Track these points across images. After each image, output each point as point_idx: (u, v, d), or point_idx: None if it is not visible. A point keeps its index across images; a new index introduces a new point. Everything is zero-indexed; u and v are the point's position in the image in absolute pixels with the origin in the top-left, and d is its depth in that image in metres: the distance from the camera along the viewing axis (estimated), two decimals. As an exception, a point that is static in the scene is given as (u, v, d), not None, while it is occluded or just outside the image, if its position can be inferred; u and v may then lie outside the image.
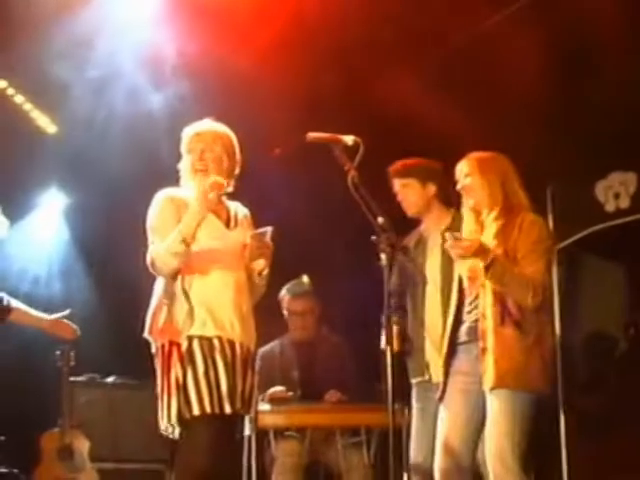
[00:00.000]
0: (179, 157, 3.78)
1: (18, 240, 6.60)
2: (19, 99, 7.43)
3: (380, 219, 3.45)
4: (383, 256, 3.42)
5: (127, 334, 5.39)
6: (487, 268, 3.53)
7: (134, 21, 5.77)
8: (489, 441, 3.58)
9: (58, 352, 5.60)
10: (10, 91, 7.39)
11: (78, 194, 7.29)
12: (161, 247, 3.52)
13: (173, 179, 3.79)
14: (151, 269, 3.57)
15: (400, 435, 4.19)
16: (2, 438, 5.68)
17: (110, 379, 6.35)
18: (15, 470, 5.70)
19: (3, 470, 5.64)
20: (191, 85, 5.50)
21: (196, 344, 3.48)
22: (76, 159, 6.82)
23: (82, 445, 5.74)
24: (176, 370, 3.46)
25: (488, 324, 3.61)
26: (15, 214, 6.67)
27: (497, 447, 3.53)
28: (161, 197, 3.67)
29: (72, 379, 5.81)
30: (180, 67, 5.44)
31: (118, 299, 6.63)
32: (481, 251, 3.54)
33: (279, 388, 5.07)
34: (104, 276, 7.03)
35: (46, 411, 5.85)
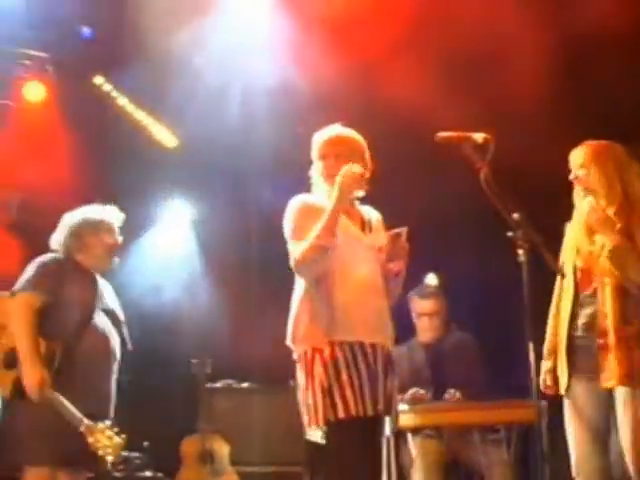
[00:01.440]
0: (309, 164, 3.82)
1: (144, 252, 6.81)
2: (139, 115, 7.69)
3: (516, 215, 3.42)
4: (521, 252, 3.39)
5: (257, 341, 5.52)
6: (610, 251, 3.48)
7: (251, 33, 5.91)
8: (623, 440, 3.55)
9: (195, 361, 5.75)
10: (130, 107, 7.65)
11: (202, 204, 7.47)
12: (304, 245, 3.52)
13: (299, 187, 3.84)
14: (296, 270, 3.59)
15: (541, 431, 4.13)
16: (146, 444, 5.87)
17: (245, 384, 6.49)
18: (159, 474, 5.89)
19: (148, 474, 5.83)
20: (313, 91, 5.56)
21: (338, 349, 3.52)
22: (198, 170, 7.00)
23: (222, 449, 5.89)
24: (320, 375, 3.51)
25: (609, 321, 3.55)
26: (141, 226, 6.92)
27: (633, 444, 3.50)
28: (296, 203, 3.71)
29: (209, 386, 5.96)
30: (300, 75, 5.51)
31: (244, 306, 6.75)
32: (609, 224, 3.50)
33: (416, 389, 5.07)
34: (227, 284, 7.17)
35: (186, 417, 6.02)
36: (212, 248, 7.31)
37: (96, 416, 3.88)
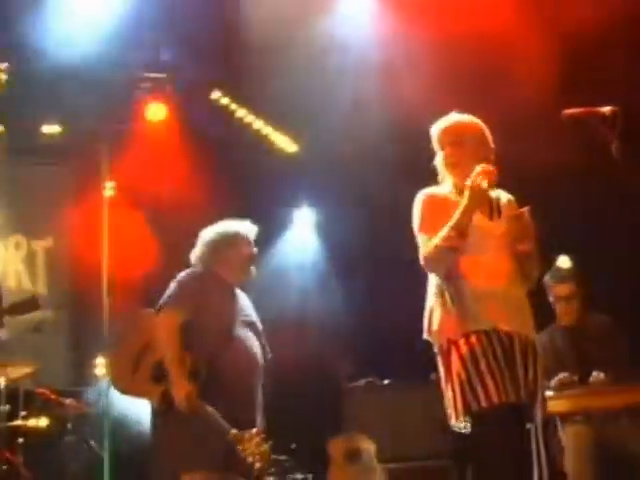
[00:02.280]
0: (433, 156, 3.80)
1: (275, 256, 6.93)
2: (259, 124, 7.84)
3: (653, 188, 3.30)
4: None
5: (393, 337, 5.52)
6: None
7: (359, 33, 5.94)
8: None
9: (336, 360, 5.81)
10: (249, 118, 7.81)
11: (327, 208, 7.54)
12: (434, 243, 3.52)
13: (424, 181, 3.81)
14: (425, 267, 3.58)
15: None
16: (294, 446, 5.96)
17: (386, 381, 6.51)
18: (309, 475, 5.97)
19: (298, 476, 5.92)
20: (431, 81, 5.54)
21: (474, 339, 3.48)
22: (321, 175, 7.07)
23: (368, 447, 5.91)
24: (458, 367, 3.48)
25: None
26: (271, 233, 7.03)
27: None
28: (422, 197, 3.70)
29: (351, 385, 6.00)
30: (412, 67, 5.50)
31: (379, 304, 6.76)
32: None
33: (563, 375, 4.97)
34: (358, 284, 7.20)
35: (330, 418, 6.08)
36: (341, 249, 7.36)
37: (243, 424, 3.96)
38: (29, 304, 4.47)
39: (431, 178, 3.79)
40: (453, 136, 3.70)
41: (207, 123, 7.58)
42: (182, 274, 4.36)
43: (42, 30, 6.31)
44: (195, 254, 4.49)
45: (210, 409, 3.97)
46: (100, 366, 7.25)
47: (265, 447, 3.88)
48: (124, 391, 4.38)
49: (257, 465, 3.86)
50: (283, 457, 5.86)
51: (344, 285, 7.28)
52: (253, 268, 4.49)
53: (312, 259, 7.59)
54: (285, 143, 7.83)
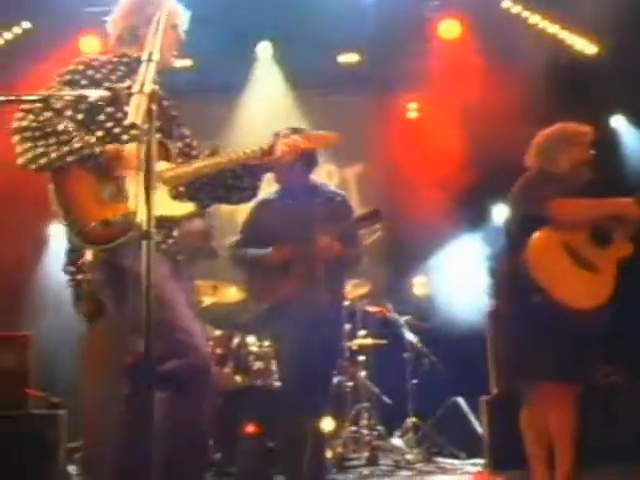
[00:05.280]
0: None
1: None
2: (554, 29, 7.61)
3: None
4: None
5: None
6: None
7: None
8: None
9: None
10: (544, 24, 7.60)
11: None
12: None
13: None
14: None
15: None
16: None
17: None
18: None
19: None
20: None
21: None
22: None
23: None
24: None
25: None
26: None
27: None
28: None
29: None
30: None
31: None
32: None
33: None
34: None
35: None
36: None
37: None
38: (373, 215, 4.68)
39: None
40: None
41: (501, 34, 7.46)
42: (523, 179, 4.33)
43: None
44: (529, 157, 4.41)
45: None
46: (418, 285, 7.51)
47: None
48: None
49: None
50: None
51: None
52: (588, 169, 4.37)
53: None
54: (584, 46, 7.56)
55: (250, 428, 5.47)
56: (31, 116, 2.96)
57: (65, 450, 6.04)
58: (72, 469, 5.99)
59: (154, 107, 2.33)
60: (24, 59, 6.77)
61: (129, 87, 2.64)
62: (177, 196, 3.20)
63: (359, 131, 7.45)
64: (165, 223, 3.11)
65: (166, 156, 3.18)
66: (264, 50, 7.77)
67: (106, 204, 3.03)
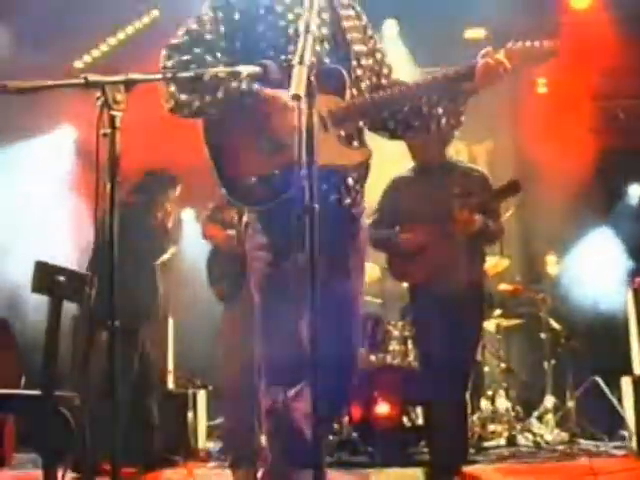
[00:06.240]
0: None
1: None
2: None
3: None
4: None
5: None
6: None
7: None
8: None
9: None
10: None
11: None
12: None
13: None
14: None
15: None
16: None
17: None
18: None
19: None
20: None
21: None
22: None
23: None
24: None
25: None
26: None
27: None
28: None
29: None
30: None
31: None
32: None
33: None
34: None
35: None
36: None
37: None
38: (512, 187, 4.57)
39: None
40: None
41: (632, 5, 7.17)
42: None
43: None
44: None
45: None
46: (551, 264, 7.33)
47: None
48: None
49: None
50: None
51: None
52: None
53: None
54: None
55: (385, 407, 5.47)
56: (177, 55, 2.73)
57: (205, 428, 6.19)
58: (212, 446, 6.13)
59: (313, 79, 2.31)
60: (153, 47, 6.95)
61: (288, 61, 2.63)
62: (351, 138, 2.80)
63: (488, 107, 7.30)
64: (337, 174, 2.76)
65: (337, 87, 2.75)
66: (390, 28, 7.74)
67: (266, 156, 2.69)
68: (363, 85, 2.88)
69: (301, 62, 2.30)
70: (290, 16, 2.79)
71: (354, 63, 2.87)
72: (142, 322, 5.10)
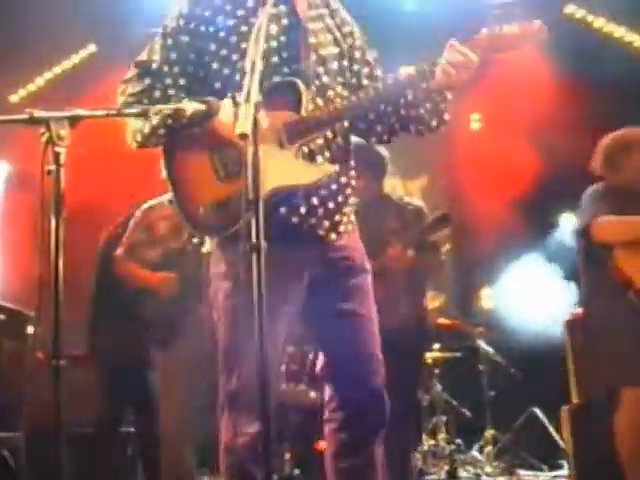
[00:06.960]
0: None
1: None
2: (620, 32, 7.49)
3: None
4: None
5: None
6: None
7: None
8: None
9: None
10: (610, 28, 7.48)
11: None
12: None
13: None
14: None
15: None
16: None
17: None
18: None
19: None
20: None
21: None
22: None
23: None
24: None
25: None
26: None
27: None
28: None
29: None
30: None
31: None
32: None
33: None
34: None
35: None
36: None
37: None
38: (442, 220, 4.57)
39: None
40: None
41: (564, 39, 7.35)
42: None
43: None
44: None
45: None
46: (485, 298, 7.40)
47: None
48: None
49: None
50: None
51: None
52: None
53: None
54: (640, 40, 7.42)
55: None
56: (129, 88, 2.72)
57: None
58: None
59: (260, 117, 2.29)
60: (89, 81, 6.90)
61: (233, 98, 2.60)
62: (315, 154, 2.66)
63: (422, 143, 7.37)
64: (297, 195, 2.62)
65: (292, 100, 2.62)
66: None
67: (221, 181, 2.62)
68: (331, 92, 2.74)
69: (247, 100, 2.28)
70: (243, 45, 2.64)
71: (320, 69, 2.74)
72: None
